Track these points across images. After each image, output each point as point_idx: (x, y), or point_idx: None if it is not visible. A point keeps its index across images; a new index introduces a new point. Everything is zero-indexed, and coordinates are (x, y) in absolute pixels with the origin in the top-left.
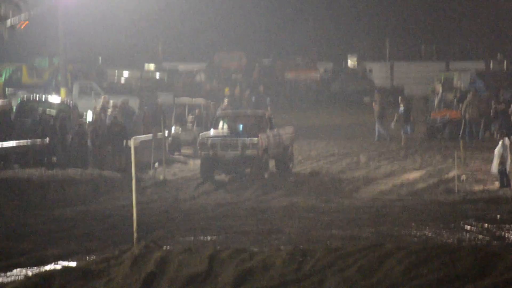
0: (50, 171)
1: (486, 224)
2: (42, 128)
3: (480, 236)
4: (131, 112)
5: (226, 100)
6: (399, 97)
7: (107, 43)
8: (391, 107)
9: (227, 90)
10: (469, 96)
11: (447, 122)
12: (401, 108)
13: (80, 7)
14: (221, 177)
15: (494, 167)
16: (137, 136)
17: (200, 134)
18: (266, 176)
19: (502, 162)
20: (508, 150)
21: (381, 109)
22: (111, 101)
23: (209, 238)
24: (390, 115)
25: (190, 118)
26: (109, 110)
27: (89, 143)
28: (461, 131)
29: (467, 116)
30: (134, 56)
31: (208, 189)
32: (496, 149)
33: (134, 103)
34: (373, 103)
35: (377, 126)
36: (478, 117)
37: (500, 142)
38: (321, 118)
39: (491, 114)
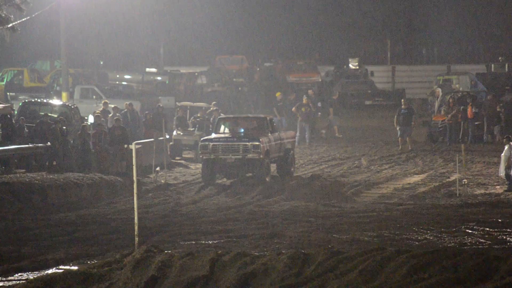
0: (51, 175)
1: (488, 228)
2: (43, 131)
3: (482, 240)
4: (136, 115)
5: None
6: (402, 100)
7: (109, 46)
8: (393, 110)
9: (278, 94)
10: (432, 98)
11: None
12: (403, 110)
13: (81, 10)
14: (223, 181)
15: (501, 170)
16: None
17: (202, 138)
18: (267, 179)
19: (509, 166)
20: None
21: (310, 112)
22: (111, 105)
23: (210, 242)
24: (391, 117)
25: (191, 121)
26: (110, 115)
27: (90, 146)
28: (461, 135)
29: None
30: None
31: (210, 193)
32: (502, 153)
33: (135, 106)
34: (303, 108)
35: (304, 129)
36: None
37: (507, 146)
38: (322, 122)
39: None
